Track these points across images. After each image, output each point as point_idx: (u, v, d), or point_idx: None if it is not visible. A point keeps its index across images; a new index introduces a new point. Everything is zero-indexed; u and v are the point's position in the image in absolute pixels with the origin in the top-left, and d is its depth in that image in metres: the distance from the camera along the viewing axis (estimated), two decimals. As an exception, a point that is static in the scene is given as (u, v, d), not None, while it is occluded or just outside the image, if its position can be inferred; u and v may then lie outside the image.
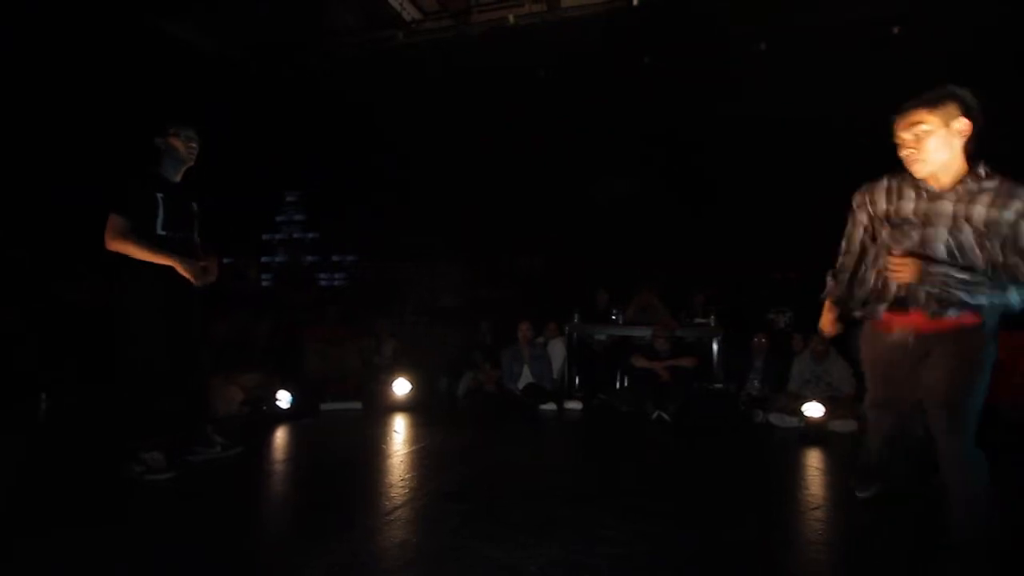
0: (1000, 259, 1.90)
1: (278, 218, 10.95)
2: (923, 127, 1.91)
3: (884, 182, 2.14)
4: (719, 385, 5.04)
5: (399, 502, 2.60)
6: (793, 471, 3.42)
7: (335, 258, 10.07)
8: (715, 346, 5.35)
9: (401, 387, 4.99)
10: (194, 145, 3.03)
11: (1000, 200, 1.87)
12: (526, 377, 5.26)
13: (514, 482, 2.96)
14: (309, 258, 9.92)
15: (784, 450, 3.86)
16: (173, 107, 5.19)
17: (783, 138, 6.47)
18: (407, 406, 4.91)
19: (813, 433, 4.02)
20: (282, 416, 4.42)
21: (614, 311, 5.81)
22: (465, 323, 6.68)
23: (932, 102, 1.92)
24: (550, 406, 4.92)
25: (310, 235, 10.33)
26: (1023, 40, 5.22)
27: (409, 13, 6.31)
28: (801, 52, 5.95)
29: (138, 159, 3.04)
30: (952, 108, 1.90)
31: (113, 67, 5.73)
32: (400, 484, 2.87)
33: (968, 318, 1.93)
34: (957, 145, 1.90)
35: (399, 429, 4.22)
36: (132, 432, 2.89)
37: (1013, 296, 1.87)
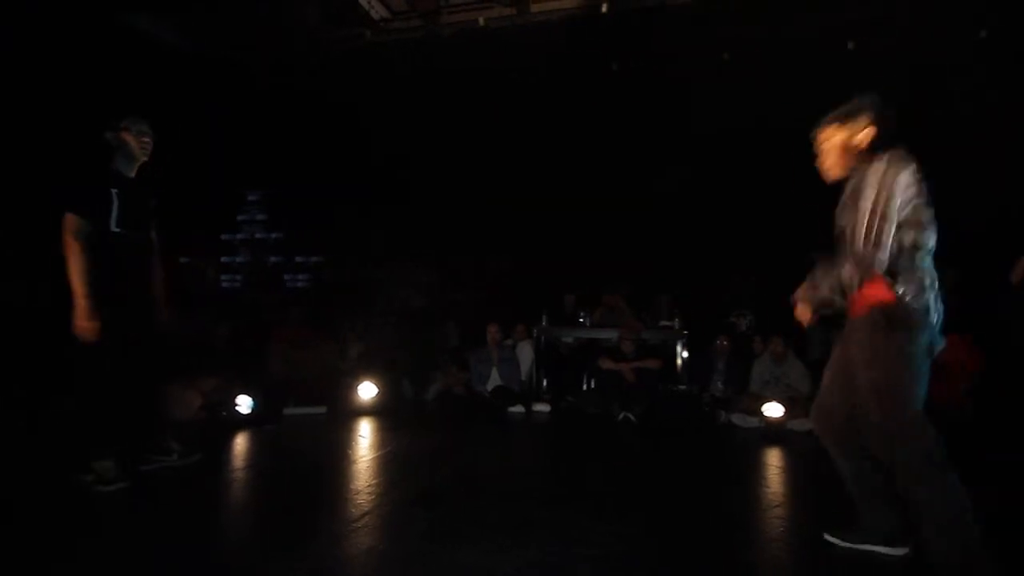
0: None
1: (239, 217, 10.61)
2: (833, 140, 2.00)
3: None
4: (683, 387, 5.14)
5: (366, 508, 2.55)
6: (755, 470, 3.52)
7: (299, 259, 9.83)
8: (679, 348, 5.45)
9: (367, 391, 4.92)
10: (147, 140, 2.92)
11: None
12: (495, 379, 5.25)
13: (485, 485, 2.95)
14: (272, 259, 9.64)
15: (746, 450, 3.96)
16: (129, 101, 5.00)
17: (745, 146, 6.65)
18: (373, 410, 4.84)
19: (773, 433, 4.14)
20: (243, 421, 4.29)
21: (582, 314, 5.86)
22: (432, 325, 6.63)
23: (843, 116, 1.99)
24: (518, 408, 4.93)
25: (273, 235, 10.02)
26: (978, 53, 5.51)
27: (378, 12, 6.24)
28: (764, 63, 6.14)
29: (91, 155, 2.91)
30: (863, 119, 1.95)
31: (66, 60, 5.48)
32: (367, 490, 2.82)
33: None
34: (864, 155, 1.94)
35: (365, 433, 4.15)
36: (81, 440, 2.75)
37: None
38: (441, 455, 3.61)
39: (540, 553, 2.09)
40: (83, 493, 2.65)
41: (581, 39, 6.39)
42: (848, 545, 2.15)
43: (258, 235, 10.02)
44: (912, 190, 1.83)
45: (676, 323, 5.53)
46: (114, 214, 2.78)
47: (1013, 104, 5.41)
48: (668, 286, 6.42)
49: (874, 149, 1.92)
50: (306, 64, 7.06)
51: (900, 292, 1.82)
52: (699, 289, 6.42)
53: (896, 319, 1.83)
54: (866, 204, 1.80)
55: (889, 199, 1.78)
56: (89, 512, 2.51)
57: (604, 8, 5.62)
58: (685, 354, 5.41)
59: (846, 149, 1.97)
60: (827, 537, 2.20)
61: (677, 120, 6.73)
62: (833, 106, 2.07)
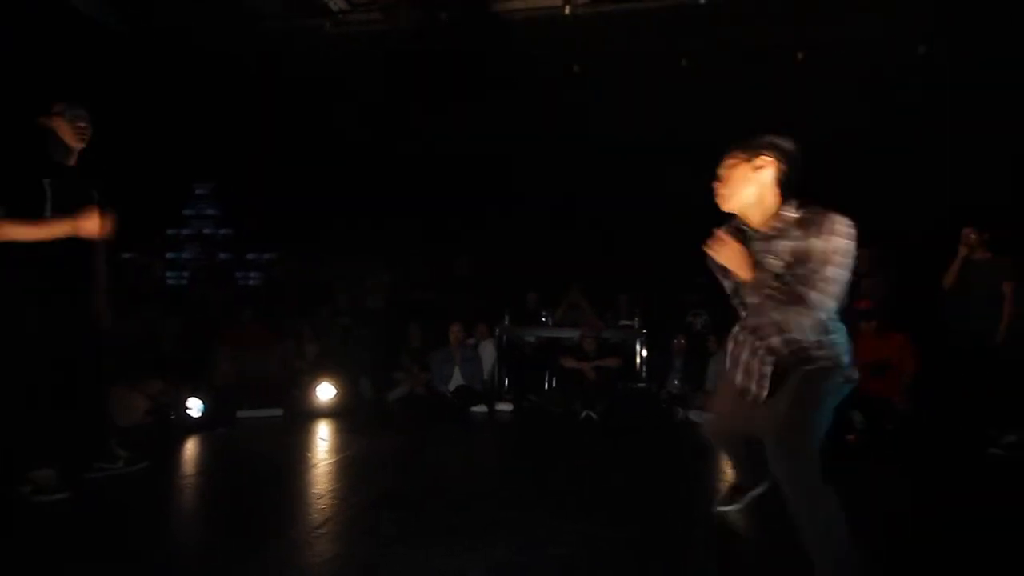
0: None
1: (186, 211, 10.15)
2: (732, 171, 1.99)
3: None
4: (642, 384, 5.24)
5: (328, 513, 2.48)
6: (713, 467, 3.61)
7: (251, 256, 9.47)
8: (639, 347, 5.55)
9: (325, 392, 4.80)
10: (83, 125, 2.73)
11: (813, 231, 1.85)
12: (457, 379, 5.21)
13: (449, 486, 2.92)
14: (222, 255, 9.27)
15: (703, 447, 4.06)
16: (66, 84, 4.70)
17: (699, 153, 6.82)
18: (332, 411, 4.72)
19: (729, 429, 4.26)
20: (193, 426, 4.11)
21: (544, 313, 5.89)
22: (391, 325, 6.52)
23: (747, 150, 1.98)
24: (481, 408, 4.91)
25: (222, 231, 9.64)
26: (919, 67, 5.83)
27: (336, 3, 6.09)
28: (719, 71, 6.32)
29: (21, 142, 2.72)
30: (766, 155, 1.94)
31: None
32: (328, 494, 2.74)
33: None
34: (766, 188, 1.94)
35: (324, 436, 4.05)
36: (17, 448, 2.57)
37: None
38: (403, 457, 3.56)
39: (508, 553, 2.08)
40: (21, 505, 2.47)
41: (544, 38, 6.42)
42: (738, 506, 2.49)
43: (207, 230, 9.64)
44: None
45: (636, 322, 5.63)
46: (48, 207, 2.60)
47: (952, 116, 5.76)
48: (627, 286, 6.54)
49: (783, 191, 1.94)
50: (263, 52, 6.82)
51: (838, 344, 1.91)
52: (657, 289, 6.55)
53: (831, 372, 1.90)
54: (835, 268, 1.80)
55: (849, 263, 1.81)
56: (28, 525, 2.34)
57: (567, 10, 5.64)
58: (644, 352, 5.52)
59: (751, 180, 1.95)
60: (718, 509, 2.49)
61: (636, 123, 6.85)
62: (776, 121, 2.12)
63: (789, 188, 1.95)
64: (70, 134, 2.71)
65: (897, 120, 6.05)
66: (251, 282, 9.46)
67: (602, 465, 3.59)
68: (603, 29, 6.30)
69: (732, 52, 6.28)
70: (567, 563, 2.04)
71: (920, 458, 3.82)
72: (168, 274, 9.85)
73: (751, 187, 1.96)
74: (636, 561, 2.11)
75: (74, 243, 2.64)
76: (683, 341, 5.45)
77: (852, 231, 1.81)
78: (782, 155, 1.94)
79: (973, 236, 4.40)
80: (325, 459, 3.44)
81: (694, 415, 4.63)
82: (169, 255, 9.96)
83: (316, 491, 2.83)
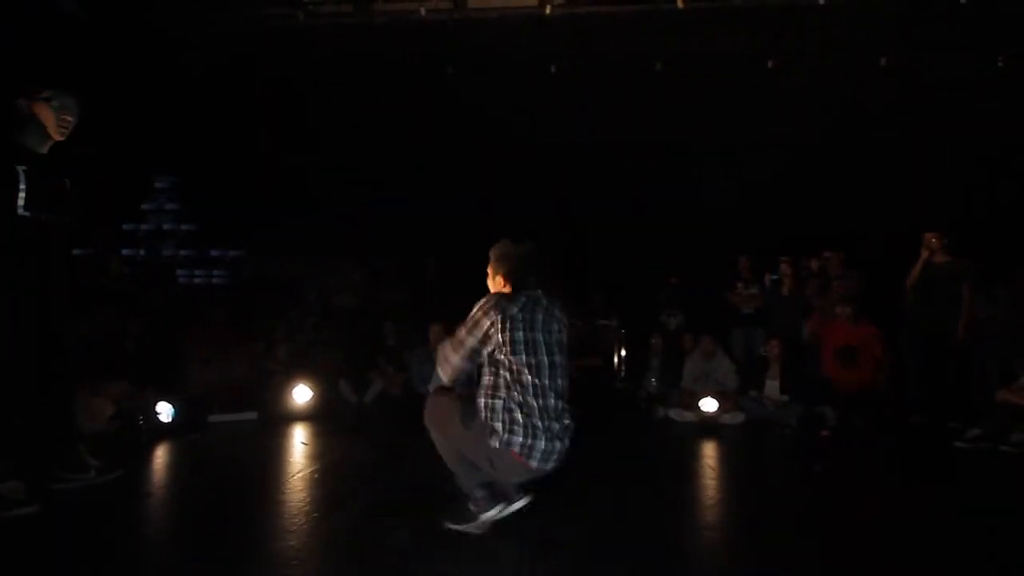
0: None
1: (145, 206, 9.63)
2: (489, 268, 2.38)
3: None
4: (621, 383, 5.29)
5: (324, 524, 2.39)
6: (693, 462, 3.68)
7: (214, 253, 9.09)
8: (616, 346, 5.61)
9: (301, 394, 4.66)
10: (69, 119, 2.59)
11: None
12: (436, 379, 5.12)
13: (442, 492, 2.84)
14: (183, 252, 8.87)
15: (685, 443, 4.13)
16: (23, 70, 4.41)
17: (673, 157, 6.94)
18: (309, 414, 4.59)
19: (708, 426, 4.37)
20: (163, 431, 3.92)
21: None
22: (363, 324, 6.39)
23: (492, 253, 2.37)
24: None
25: (184, 227, 9.21)
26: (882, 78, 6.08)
27: (307, -8, 5.92)
28: (694, 76, 6.44)
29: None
30: (497, 264, 2.33)
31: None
32: (321, 503, 2.66)
33: None
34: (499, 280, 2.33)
35: (303, 440, 3.92)
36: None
37: None
38: (390, 462, 3.47)
39: (519, 561, 2.05)
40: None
41: (521, 39, 6.41)
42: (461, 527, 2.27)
43: (167, 226, 9.19)
44: None
45: (614, 321, 5.68)
46: (22, 194, 2.43)
47: (918, 125, 6.04)
48: (601, 285, 6.60)
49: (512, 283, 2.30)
50: (227, 40, 6.57)
51: None
52: (631, 288, 6.63)
53: None
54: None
55: None
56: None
57: (548, 10, 5.64)
58: (623, 351, 5.57)
59: (492, 283, 2.36)
60: (448, 526, 2.28)
61: (611, 125, 6.92)
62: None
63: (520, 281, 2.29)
64: (52, 124, 2.55)
65: (863, 127, 6.30)
66: (215, 280, 9.08)
67: (593, 465, 3.58)
68: (580, 31, 6.33)
69: (706, 58, 6.41)
70: (584, 567, 2.01)
71: (889, 452, 3.98)
72: (124, 271, 9.38)
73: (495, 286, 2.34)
74: (651, 562, 2.10)
75: (43, 237, 2.48)
76: (659, 340, 5.53)
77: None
78: (506, 269, 2.29)
79: (934, 240, 4.62)
80: (308, 466, 3.32)
81: (674, 413, 4.70)
82: (125, 251, 9.47)
83: (302, 502, 2.71)
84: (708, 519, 2.61)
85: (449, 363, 2.25)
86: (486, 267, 2.39)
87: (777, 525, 2.53)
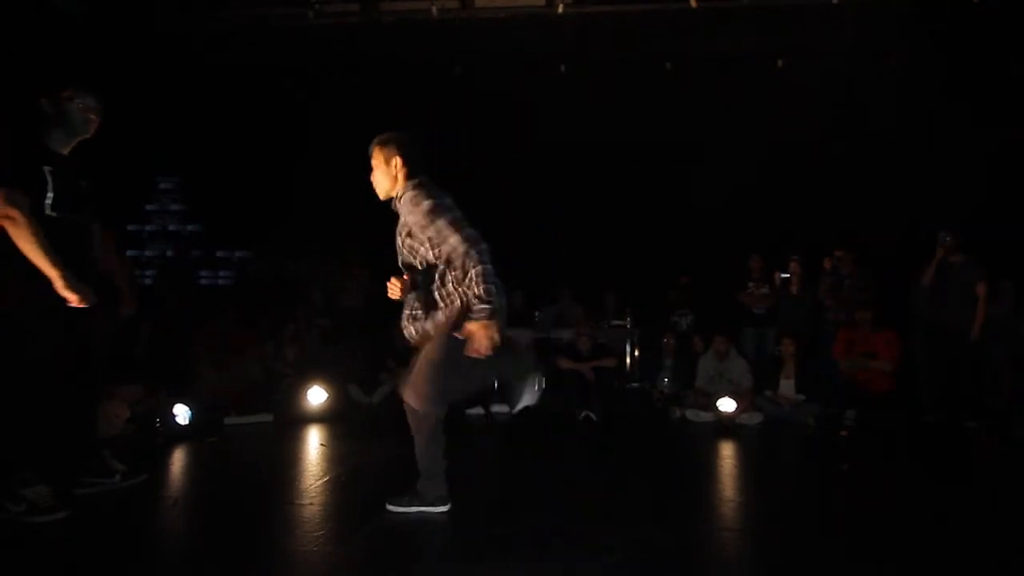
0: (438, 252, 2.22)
1: (149, 207, 9.56)
2: (374, 162, 2.35)
3: None
4: (635, 384, 5.28)
5: (351, 531, 2.36)
6: (714, 461, 3.68)
7: (220, 254, 9.03)
8: (629, 346, 5.60)
9: (316, 396, 4.64)
10: (93, 117, 2.55)
11: (410, 206, 2.23)
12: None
13: (471, 495, 2.78)
14: (193, 253, 8.82)
15: (703, 443, 4.13)
16: (22, 70, 4.37)
17: (684, 156, 6.92)
18: (323, 417, 4.56)
19: (726, 426, 4.36)
20: (181, 434, 3.88)
21: (536, 312, 5.86)
22: (373, 325, 6.35)
23: (378, 143, 2.34)
24: (477, 410, 4.84)
25: (189, 227, 9.15)
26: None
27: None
28: (702, 76, 6.44)
29: (14, 125, 2.51)
30: (391, 148, 2.30)
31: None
32: (347, 509, 2.63)
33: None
34: (398, 174, 2.30)
35: (322, 444, 3.88)
36: (9, 462, 2.36)
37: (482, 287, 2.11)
38: (413, 464, 3.44)
39: (567, 565, 2.01)
40: (11, 526, 2.27)
41: (530, 38, 6.39)
42: (402, 509, 2.42)
43: (172, 227, 9.12)
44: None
45: (627, 322, 5.67)
46: (50, 196, 2.41)
47: (924, 122, 6.04)
48: (613, 285, 6.58)
49: (408, 176, 2.29)
50: (232, 39, 6.54)
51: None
52: (644, 288, 6.61)
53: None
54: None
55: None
56: (22, 548, 2.15)
57: (560, 9, 5.62)
58: (636, 352, 5.56)
59: (386, 171, 2.31)
60: (388, 507, 2.42)
61: (621, 124, 6.90)
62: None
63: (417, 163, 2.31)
64: (77, 121, 2.52)
65: (873, 125, 6.29)
66: (220, 281, 9.02)
67: (620, 467, 3.57)
68: (589, 31, 6.32)
69: (716, 56, 6.41)
70: (632, 571, 1.99)
71: (909, 451, 3.98)
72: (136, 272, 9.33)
73: (390, 180, 2.32)
74: (701, 564, 2.09)
75: (71, 239, 2.45)
76: (671, 341, 5.52)
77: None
78: (405, 148, 2.29)
79: (949, 239, 4.62)
80: (332, 470, 3.28)
81: (690, 414, 4.70)
82: (130, 252, 9.41)
83: (331, 506, 2.69)
84: (732, 519, 2.59)
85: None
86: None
87: (805, 524, 2.52)
